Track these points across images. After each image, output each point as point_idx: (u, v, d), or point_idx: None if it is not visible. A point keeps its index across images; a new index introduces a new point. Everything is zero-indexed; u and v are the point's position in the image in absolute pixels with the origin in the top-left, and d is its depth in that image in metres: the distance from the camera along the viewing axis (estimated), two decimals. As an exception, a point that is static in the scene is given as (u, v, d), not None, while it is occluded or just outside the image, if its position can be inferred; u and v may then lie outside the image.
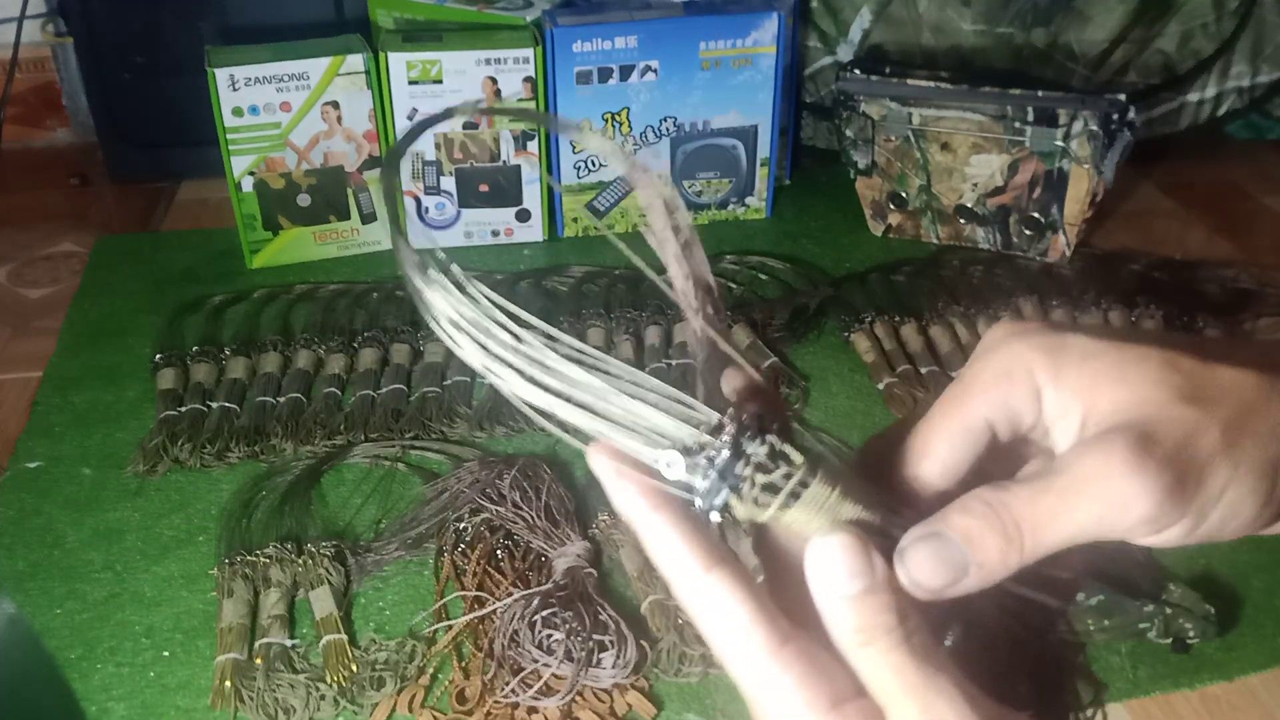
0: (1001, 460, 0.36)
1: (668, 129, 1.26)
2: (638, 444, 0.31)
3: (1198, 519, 0.31)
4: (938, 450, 0.34)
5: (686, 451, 0.32)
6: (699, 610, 0.32)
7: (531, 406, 0.31)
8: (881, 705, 0.31)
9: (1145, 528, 0.31)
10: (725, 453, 0.31)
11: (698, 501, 0.32)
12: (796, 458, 0.32)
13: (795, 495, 0.32)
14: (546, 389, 0.31)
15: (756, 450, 0.32)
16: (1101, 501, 0.31)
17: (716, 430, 0.32)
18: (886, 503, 0.33)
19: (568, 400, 0.31)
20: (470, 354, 0.31)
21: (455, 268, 0.31)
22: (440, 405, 1.00)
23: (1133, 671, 0.76)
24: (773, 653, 0.31)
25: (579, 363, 0.31)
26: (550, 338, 0.31)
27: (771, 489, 0.32)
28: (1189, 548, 0.87)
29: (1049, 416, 0.34)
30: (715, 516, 0.32)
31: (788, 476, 0.32)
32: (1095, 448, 0.31)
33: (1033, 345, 0.33)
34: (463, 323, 0.31)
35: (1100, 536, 0.31)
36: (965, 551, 0.31)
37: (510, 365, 0.31)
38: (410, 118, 1.19)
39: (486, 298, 0.31)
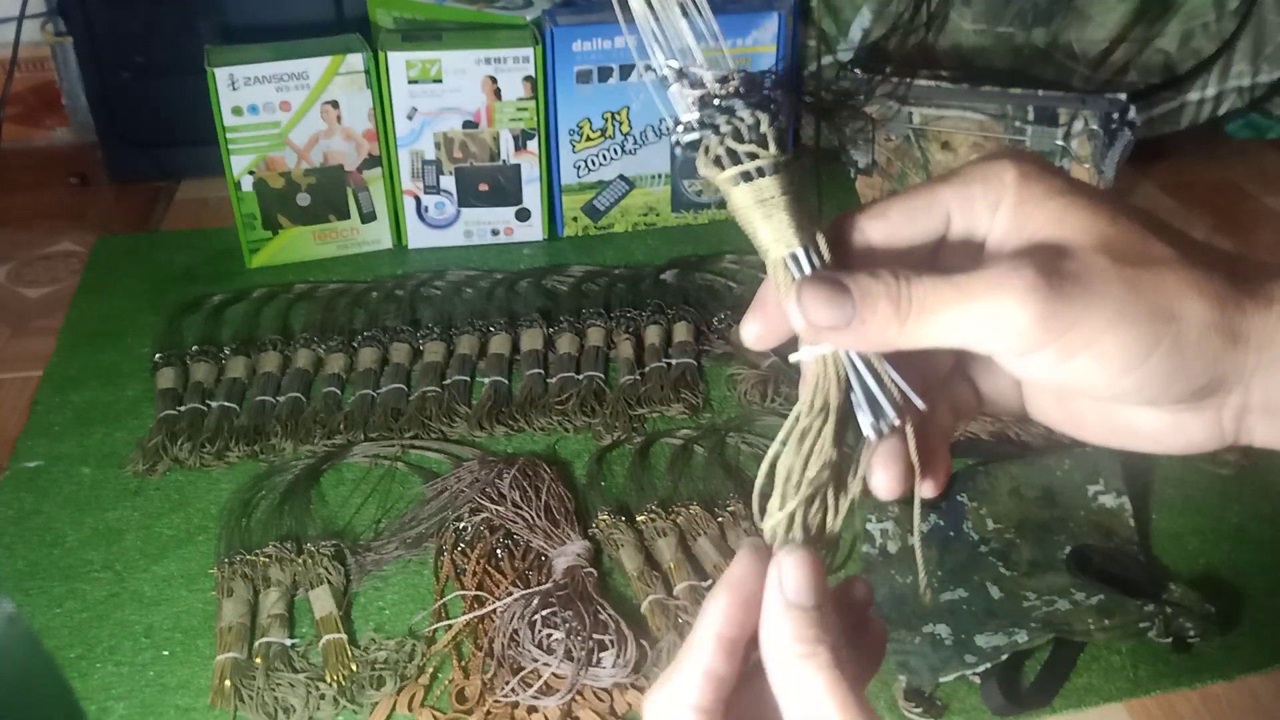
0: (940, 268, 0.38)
1: (668, 128, 1.26)
2: (661, 50, 0.34)
3: (1063, 352, 0.33)
4: (892, 214, 0.36)
5: (689, 79, 0.34)
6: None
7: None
8: None
9: (1016, 344, 0.33)
10: (716, 96, 0.33)
11: (675, 127, 0.34)
12: (773, 146, 0.34)
13: (748, 176, 0.34)
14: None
15: (744, 114, 0.33)
16: (990, 307, 0.32)
17: (725, 80, 0.33)
18: (820, 238, 0.35)
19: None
20: None
21: None
22: (440, 404, 1.00)
23: (1133, 671, 0.76)
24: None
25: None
26: None
27: (734, 157, 0.34)
28: (1190, 546, 0.87)
29: (992, 235, 0.35)
30: (677, 150, 0.34)
31: (754, 156, 0.33)
32: (1006, 261, 0.33)
33: (1016, 167, 0.35)
34: None
35: (977, 343, 0.33)
36: (856, 304, 0.33)
37: None
38: (410, 117, 1.19)
39: None
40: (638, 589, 0.81)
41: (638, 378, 1.04)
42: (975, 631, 0.76)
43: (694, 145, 0.34)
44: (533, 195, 1.26)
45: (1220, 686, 0.76)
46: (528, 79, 1.19)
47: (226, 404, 1.00)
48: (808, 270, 0.34)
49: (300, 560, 0.83)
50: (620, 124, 1.25)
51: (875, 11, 1.36)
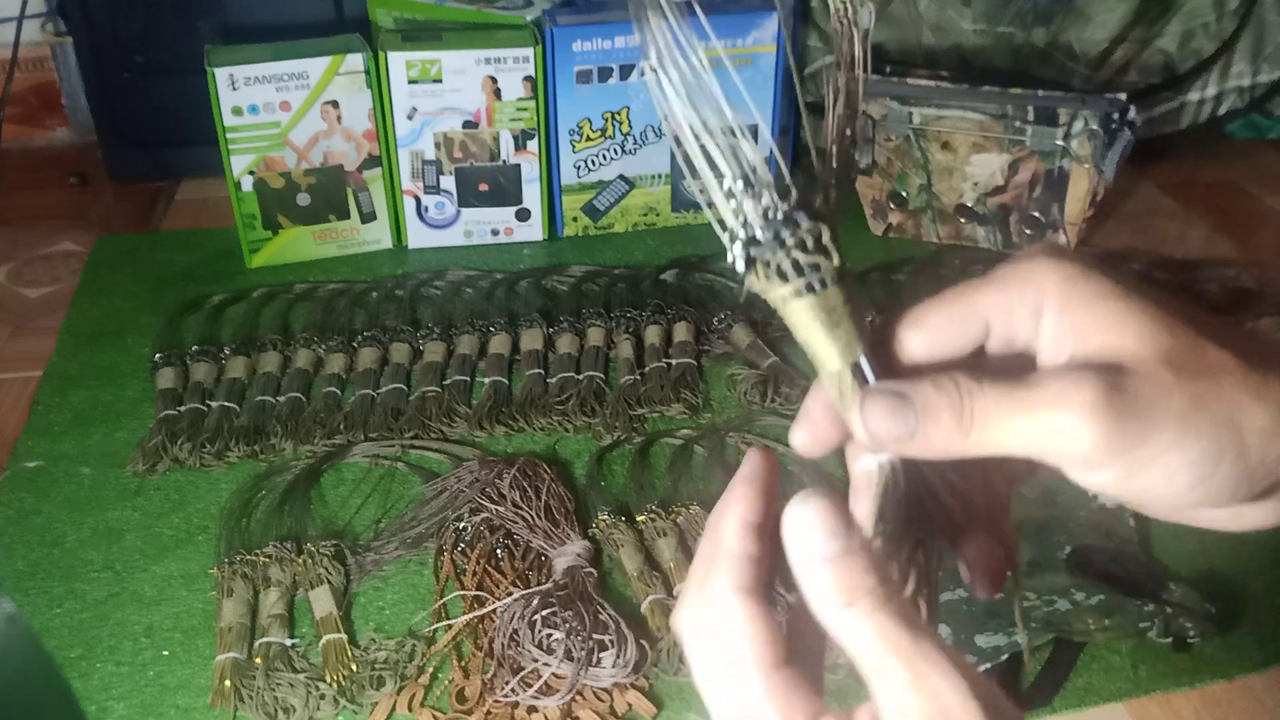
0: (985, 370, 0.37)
1: (668, 129, 1.26)
2: (719, 164, 0.33)
3: (1129, 470, 0.33)
4: (932, 324, 0.36)
5: (750, 190, 0.33)
6: (714, 613, 0.34)
7: (670, 101, 0.34)
8: (867, 676, 0.31)
9: (1080, 462, 0.33)
10: (780, 211, 0.33)
11: (731, 243, 0.33)
12: (835, 257, 0.33)
13: (811, 288, 0.33)
14: (688, 93, 0.33)
15: (806, 226, 0.33)
16: (1052, 423, 0.32)
17: (784, 193, 0.33)
18: (876, 349, 0.35)
19: (695, 109, 0.33)
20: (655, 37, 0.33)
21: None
22: (440, 404, 1.00)
23: (1133, 670, 0.76)
24: (768, 668, 0.33)
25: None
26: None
27: (798, 269, 0.33)
28: (1190, 547, 0.87)
29: (1042, 341, 0.35)
30: (740, 265, 0.34)
31: (815, 268, 0.33)
32: (1067, 375, 0.33)
33: (1055, 269, 0.35)
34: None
35: (1040, 456, 0.33)
36: (919, 417, 0.33)
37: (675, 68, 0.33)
38: (410, 117, 1.19)
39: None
40: (638, 589, 0.81)
41: (638, 378, 1.04)
42: (975, 632, 0.76)
43: (752, 262, 0.34)
44: (533, 195, 1.26)
45: (1220, 686, 0.76)
46: (528, 79, 1.19)
47: (226, 404, 1.00)
48: (870, 378, 0.34)
49: (300, 560, 0.83)
50: (620, 124, 1.25)
51: (876, 11, 1.36)
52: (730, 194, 0.33)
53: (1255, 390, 0.33)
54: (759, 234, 0.33)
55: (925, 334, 0.36)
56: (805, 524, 0.32)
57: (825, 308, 0.34)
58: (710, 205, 0.34)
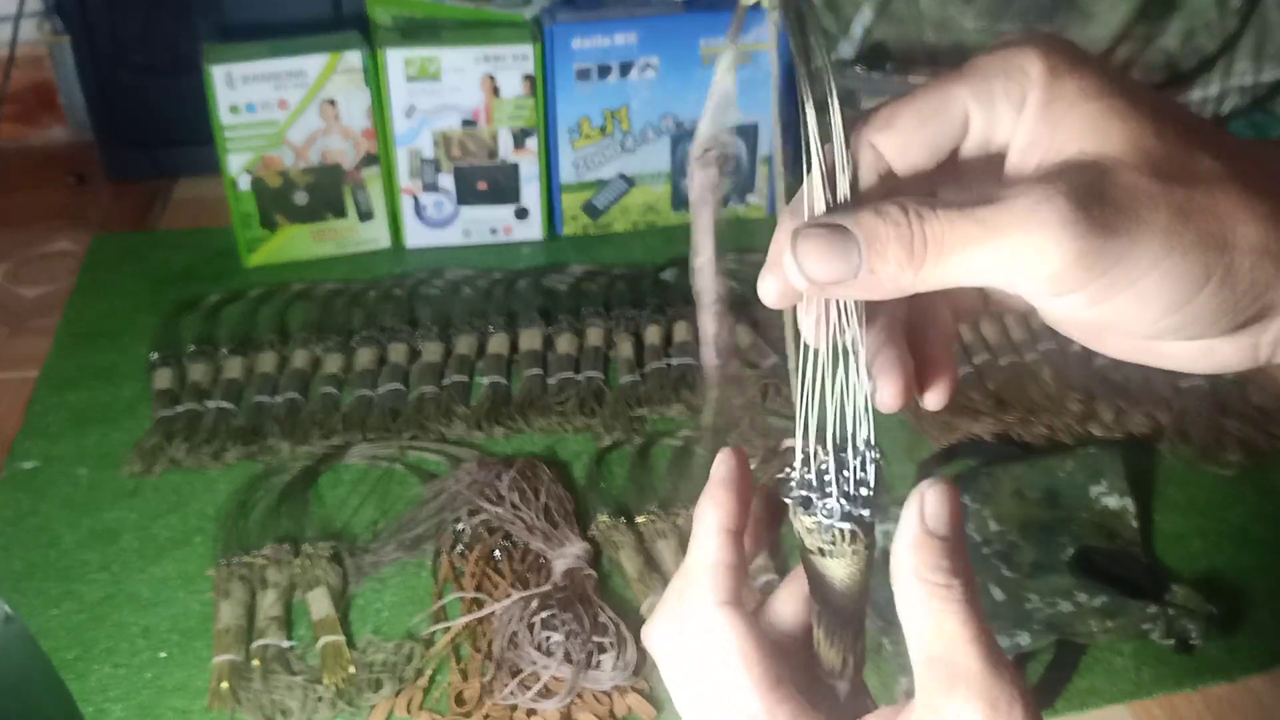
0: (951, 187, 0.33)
1: (668, 126, 1.25)
2: (808, 420, 0.33)
3: (1101, 294, 0.29)
4: (901, 121, 0.31)
5: (829, 464, 0.33)
6: (704, 641, 0.33)
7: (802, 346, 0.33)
8: (929, 656, 0.31)
9: (1048, 286, 0.29)
10: (834, 499, 0.33)
11: (791, 494, 0.34)
12: (865, 539, 0.34)
13: (824, 551, 0.34)
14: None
15: (866, 513, 0.33)
16: (1019, 243, 0.28)
17: (859, 484, 0.33)
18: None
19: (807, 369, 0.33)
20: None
21: None
22: (438, 405, 1.00)
23: (1136, 672, 0.76)
24: (767, 689, 0.32)
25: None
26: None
27: (832, 542, 0.34)
28: (1193, 548, 0.86)
29: (1018, 143, 0.31)
30: (793, 519, 0.34)
31: (842, 535, 0.33)
32: (1036, 187, 0.28)
33: (1044, 59, 0.30)
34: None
35: (1003, 282, 0.29)
36: (862, 253, 0.29)
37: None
38: (408, 115, 1.19)
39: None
40: (638, 591, 0.81)
41: (638, 378, 1.03)
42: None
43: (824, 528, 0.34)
44: (531, 194, 1.26)
45: (1223, 688, 0.75)
46: (527, 77, 1.19)
47: (223, 404, 0.99)
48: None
49: (298, 562, 0.83)
50: (620, 122, 1.24)
51: (877, 8, 1.35)
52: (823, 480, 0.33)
53: (1248, 204, 0.29)
54: (836, 518, 0.33)
55: (895, 135, 0.31)
56: (934, 500, 0.31)
57: (837, 560, 0.34)
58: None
